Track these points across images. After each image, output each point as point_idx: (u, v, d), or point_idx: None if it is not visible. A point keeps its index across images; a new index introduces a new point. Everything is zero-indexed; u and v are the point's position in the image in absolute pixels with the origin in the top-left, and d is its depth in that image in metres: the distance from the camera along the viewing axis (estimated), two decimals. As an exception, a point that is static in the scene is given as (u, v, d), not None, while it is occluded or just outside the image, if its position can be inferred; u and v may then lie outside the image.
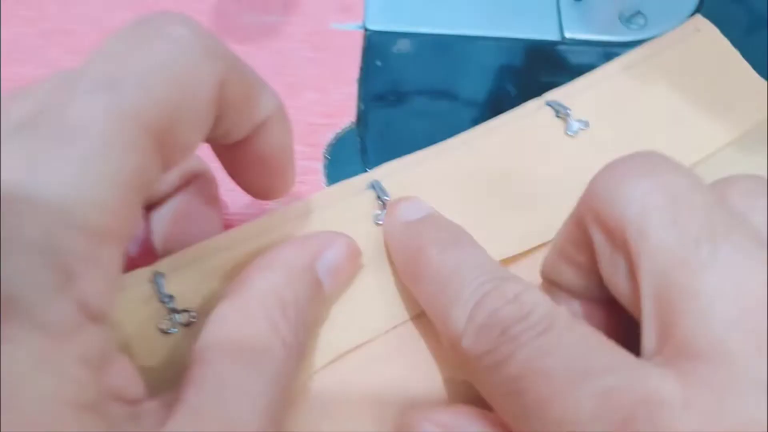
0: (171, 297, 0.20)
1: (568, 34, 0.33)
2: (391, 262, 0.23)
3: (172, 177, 0.22)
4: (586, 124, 0.27)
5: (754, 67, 0.29)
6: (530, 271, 0.22)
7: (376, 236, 0.24)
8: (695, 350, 0.13)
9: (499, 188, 0.26)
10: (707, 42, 0.30)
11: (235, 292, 0.18)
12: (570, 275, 0.19)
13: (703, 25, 0.30)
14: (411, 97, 0.31)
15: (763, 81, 0.29)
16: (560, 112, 0.27)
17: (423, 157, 0.26)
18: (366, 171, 0.29)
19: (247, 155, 0.19)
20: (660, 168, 0.16)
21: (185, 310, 0.20)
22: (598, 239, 0.17)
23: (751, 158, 0.28)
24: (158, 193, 0.22)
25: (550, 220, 0.22)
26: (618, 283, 0.17)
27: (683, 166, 0.17)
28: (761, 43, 0.32)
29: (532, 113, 0.28)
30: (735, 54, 0.29)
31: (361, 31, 0.33)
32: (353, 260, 0.22)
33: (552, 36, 0.33)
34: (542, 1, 0.34)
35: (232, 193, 0.26)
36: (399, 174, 0.26)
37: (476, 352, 0.16)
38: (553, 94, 0.28)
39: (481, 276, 0.18)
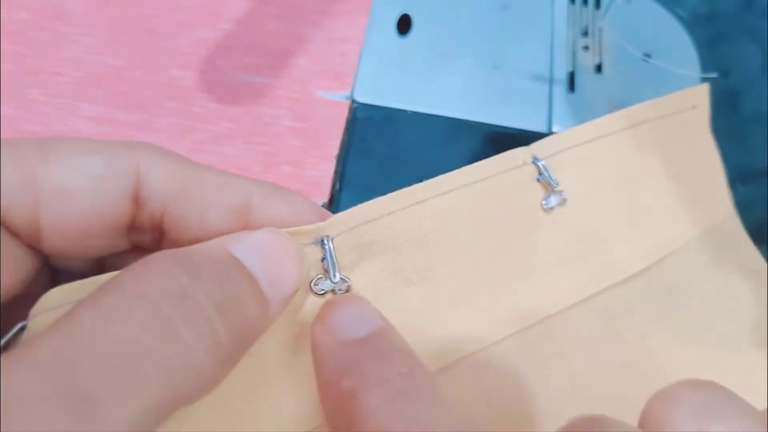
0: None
1: (555, 128, 0.32)
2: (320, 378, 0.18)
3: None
4: (564, 201, 0.25)
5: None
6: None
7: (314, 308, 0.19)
8: None
9: (450, 257, 0.22)
10: (695, 122, 0.29)
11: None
12: None
13: (700, 101, 0.29)
14: (389, 180, 0.30)
15: (723, 180, 0.29)
16: (543, 177, 0.24)
17: (384, 206, 0.22)
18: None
19: None
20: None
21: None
22: None
23: (713, 255, 0.28)
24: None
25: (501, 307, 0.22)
26: None
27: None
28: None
29: (516, 169, 0.24)
30: (712, 145, 0.29)
31: (348, 102, 0.33)
32: (285, 249, 0.17)
33: (539, 128, 0.32)
34: (536, 91, 0.33)
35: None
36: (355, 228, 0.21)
37: None
38: (543, 149, 0.25)
39: None
